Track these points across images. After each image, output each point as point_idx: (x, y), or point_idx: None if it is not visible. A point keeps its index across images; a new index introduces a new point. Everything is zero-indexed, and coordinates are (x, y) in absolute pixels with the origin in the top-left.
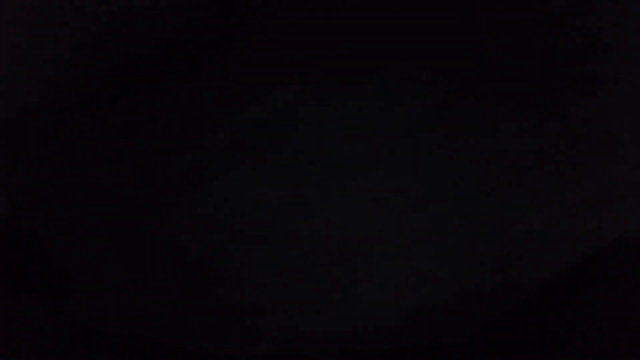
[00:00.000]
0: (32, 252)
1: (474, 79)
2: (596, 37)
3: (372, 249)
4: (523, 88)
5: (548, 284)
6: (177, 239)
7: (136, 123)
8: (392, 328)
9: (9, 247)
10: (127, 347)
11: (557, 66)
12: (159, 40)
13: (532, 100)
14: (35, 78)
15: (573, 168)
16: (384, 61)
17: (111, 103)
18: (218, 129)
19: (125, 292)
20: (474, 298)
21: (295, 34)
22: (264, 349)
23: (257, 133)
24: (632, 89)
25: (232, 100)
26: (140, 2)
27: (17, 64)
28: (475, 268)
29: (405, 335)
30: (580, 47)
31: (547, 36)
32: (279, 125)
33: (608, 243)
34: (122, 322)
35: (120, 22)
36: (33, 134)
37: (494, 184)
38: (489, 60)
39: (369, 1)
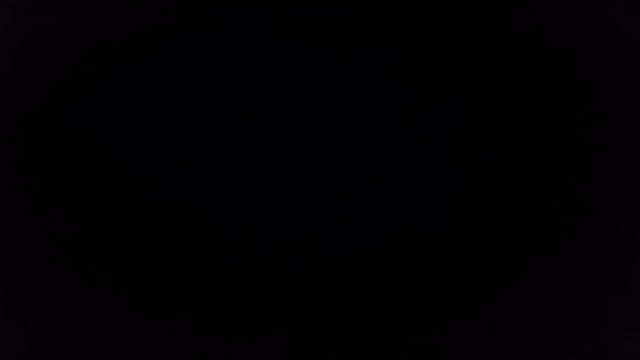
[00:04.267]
0: (32, 249)
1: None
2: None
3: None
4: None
5: (548, 284)
6: (179, 237)
7: (139, 124)
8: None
9: (10, 245)
10: (130, 344)
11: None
12: (158, 38)
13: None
14: (36, 78)
15: (574, 171)
16: None
17: (112, 103)
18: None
19: (126, 290)
20: (474, 295)
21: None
22: (269, 346)
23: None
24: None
25: (230, 102)
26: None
27: (19, 64)
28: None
29: (403, 332)
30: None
31: None
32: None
33: (606, 240)
34: (125, 320)
35: (122, 22)
36: (34, 133)
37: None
38: None
39: None
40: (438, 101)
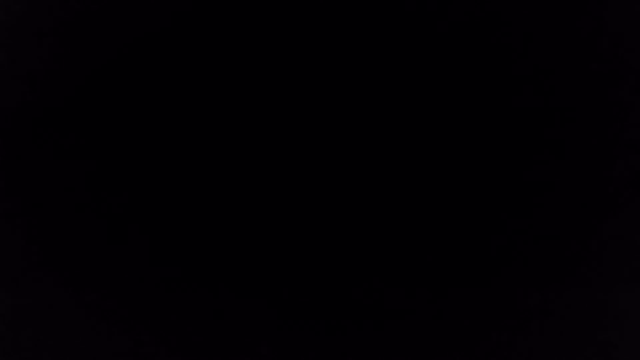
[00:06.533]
0: (32, 250)
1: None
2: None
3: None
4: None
5: (548, 284)
6: (177, 237)
7: (135, 121)
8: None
9: (9, 246)
10: (126, 348)
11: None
12: (156, 37)
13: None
14: (34, 77)
15: (574, 170)
16: None
17: (109, 102)
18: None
19: (123, 291)
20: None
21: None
22: (264, 350)
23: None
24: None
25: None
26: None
27: (16, 63)
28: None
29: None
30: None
31: None
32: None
33: (608, 243)
34: (119, 322)
35: (117, 20)
36: (34, 133)
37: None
38: None
39: None
40: (425, 100)
